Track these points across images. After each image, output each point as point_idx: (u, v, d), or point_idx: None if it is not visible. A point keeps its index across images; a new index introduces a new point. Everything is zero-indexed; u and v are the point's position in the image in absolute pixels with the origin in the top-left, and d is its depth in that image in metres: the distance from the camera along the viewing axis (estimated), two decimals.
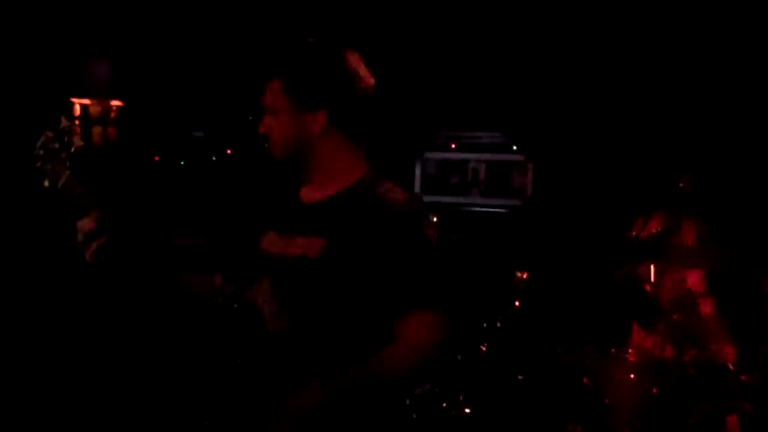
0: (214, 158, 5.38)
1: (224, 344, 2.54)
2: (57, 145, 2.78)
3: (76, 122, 5.81)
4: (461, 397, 3.80)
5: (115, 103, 5.88)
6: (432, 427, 4.01)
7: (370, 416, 2.45)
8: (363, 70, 2.56)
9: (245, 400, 2.44)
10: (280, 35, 2.54)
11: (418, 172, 5.21)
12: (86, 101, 5.85)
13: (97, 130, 5.83)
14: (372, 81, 2.57)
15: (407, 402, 4.00)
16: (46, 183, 2.84)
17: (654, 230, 3.66)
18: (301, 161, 2.54)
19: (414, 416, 4.08)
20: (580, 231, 4.89)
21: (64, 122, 2.85)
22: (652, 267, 3.79)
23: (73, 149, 2.81)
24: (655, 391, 3.50)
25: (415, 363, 2.40)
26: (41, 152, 2.84)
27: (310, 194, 2.58)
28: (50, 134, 2.82)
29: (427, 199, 5.16)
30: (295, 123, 2.51)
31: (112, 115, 5.86)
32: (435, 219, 4.66)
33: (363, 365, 2.38)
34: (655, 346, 3.76)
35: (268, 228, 2.62)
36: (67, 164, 2.75)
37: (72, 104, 5.82)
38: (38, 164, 2.82)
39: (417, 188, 5.21)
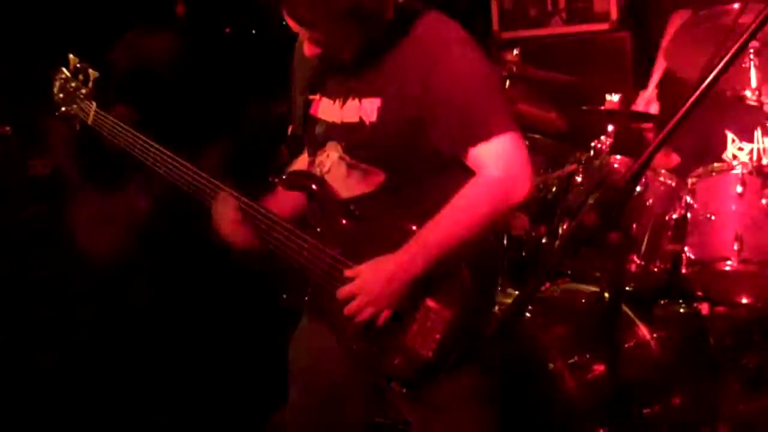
0: (284, 22, 5.22)
1: (304, 218, 2.51)
2: (74, 84, 2.77)
3: None
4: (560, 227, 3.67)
5: None
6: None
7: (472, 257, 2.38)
8: None
9: (333, 271, 2.39)
10: None
11: (494, 8, 4.97)
12: None
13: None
14: None
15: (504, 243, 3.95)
16: (77, 125, 2.81)
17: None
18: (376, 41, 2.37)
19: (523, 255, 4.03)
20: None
21: (72, 60, 2.79)
22: (753, 68, 3.53)
23: (91, 82, 2.76)
24: (764, 202, 3.33)
25: (494, 197, 2.31)
26: (61, 96, 2.79)
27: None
28: (63, 76, 2.79)
29: (506, 35, 4.96)
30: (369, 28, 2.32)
31: None
32: (516, 53, 4.46)
33: (437, 218, 2.30)
34: (752, 155, 3.57)
35: (315, 93, 2.51)
36: (92, 98, 2.75)
37: None
38: (62, 110, 2.79)
39: (495, 26, 4.97)
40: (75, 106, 2.76)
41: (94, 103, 2.72)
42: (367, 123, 2.36)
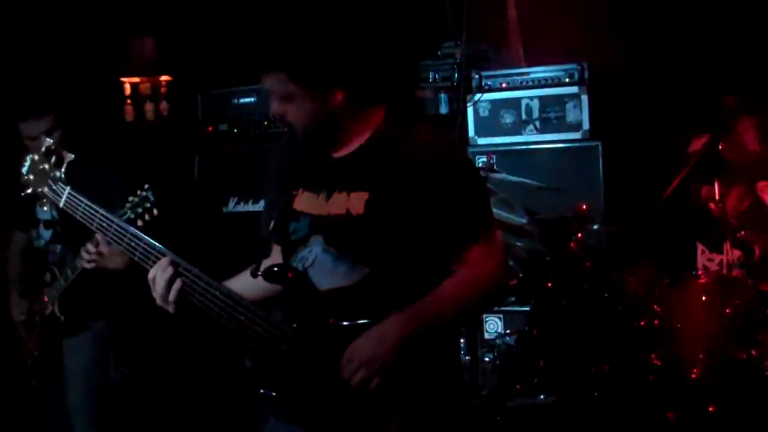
0: (265, 122, 5.35)
1: (279, 311, 2.51)
2: (47, 166, 2.71)
3: (128, 102, 5.87)
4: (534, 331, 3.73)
5: (164, 78, 5.91)
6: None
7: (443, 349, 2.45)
8: (361, 29, 2.43)
9: (315, 365, 2.40)
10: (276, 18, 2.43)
11: (470, 115, 5.10)
12: (136, 79, 5.89)
13: (149, 107, 5.88)
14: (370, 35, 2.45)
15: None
16: (45, 207, 2.76)
17: (699, 147, 3.53)
18: (325, 134, 2.46)
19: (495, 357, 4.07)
20: (637, 158, 4.78)
21: (47, 142, 2.75)
22: (716, 184, 3.66)
23: (65, 164, 2.71)
24: (728, 311, 3.39)
25: (479, 287, 2.39)
26: (30, 177, 2.73)
27: (338, 150, 2.50)
28: (36, 157, 2.72)
29: (482, 141, 5.08)
30: (313, 107, 2.40)
31: (162, 90, 5.89)
32: (491, 160, 4.59)
33: (430, 295, 2.36)
34: (721, 265, 3.65)
35: (297, 187, 2.55)
36: (65, 180, 2.68)
37: (122, 84, 5.87)
38: (29, 191, 2.72)
39: (471, 131, 5.10)
40: (46, 188, 2.70)
41: (68, 186, 2.66)
42: (354, 215, 2.40)
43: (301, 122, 2.43)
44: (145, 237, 2.52)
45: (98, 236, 3.63)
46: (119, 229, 2.56)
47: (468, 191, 2.41)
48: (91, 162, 4.10)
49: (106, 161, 4.10)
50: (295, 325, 2.43)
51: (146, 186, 3.48)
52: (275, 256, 2.64)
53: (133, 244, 2.53)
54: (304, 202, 2.52)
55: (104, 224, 2.60)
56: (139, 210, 3.43)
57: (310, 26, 2.37)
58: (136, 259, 2.52)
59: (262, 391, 2.47)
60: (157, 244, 2.51)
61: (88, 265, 3.72)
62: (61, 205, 2.67)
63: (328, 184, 2.47)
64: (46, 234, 4.10)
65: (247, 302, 2.46)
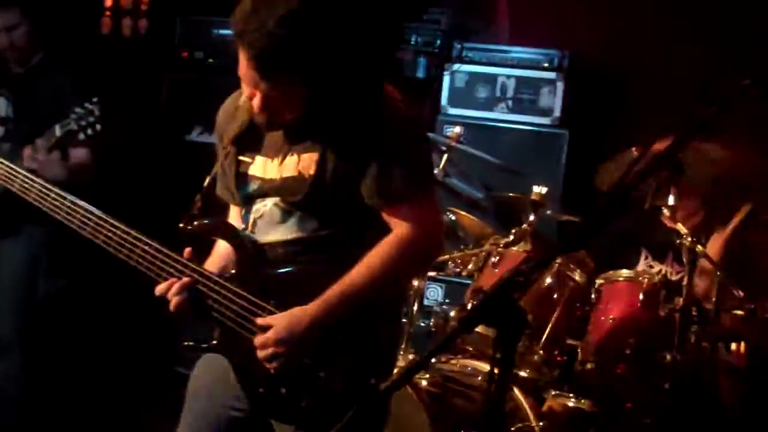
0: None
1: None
2: None
3: (107, 13, 5.77)
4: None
5: None
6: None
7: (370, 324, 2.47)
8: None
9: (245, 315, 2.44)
10: None
11: (446, 84, 5.11)
12: None
13: (127, 23, 5.79)
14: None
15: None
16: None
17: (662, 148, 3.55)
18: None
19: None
20: (603, 152, 4.81)
21: None
22: (672, 190, 3.68)
23: None
24: (662, 314, 3.46)
25: (405, 254, 2.42)
26: None
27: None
28: None
29: (453, 111, 5.10)
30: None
31: (143, 7, 5.81)
32: (459, 130, 4.58)
33: (351, 272, 2.40)
34: (661, 271, 3.72)
35: (252, 152, 2.55)
36: None
37: None
38: None
39: (444, 100, 5.11)
40: None
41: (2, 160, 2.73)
42: (306, 176, 2.43)
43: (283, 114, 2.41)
44: (83, 203, 2.53)
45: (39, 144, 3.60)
46: (57, 197, 2.57)
47: (404, 149, 2.42)
48: (53, 65, 4.06)
49: (68, 67, 4.05)
50: (227, 275, 2.47)
51: (94, 99, 3.45)
52: (234, 217, 2.67)
53: (71, 212, 2.54)
54: (257, 167, 2.54)
55: (42, 194, 2.60)
56: (83, 123, 3.41)
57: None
58: (74, 227, 2.53)
59: (192, 343, 2.53)
60: (95, 210, 2.51)
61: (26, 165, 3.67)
62: None
63: (283, 150, 2.49)
64: None
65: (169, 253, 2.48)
